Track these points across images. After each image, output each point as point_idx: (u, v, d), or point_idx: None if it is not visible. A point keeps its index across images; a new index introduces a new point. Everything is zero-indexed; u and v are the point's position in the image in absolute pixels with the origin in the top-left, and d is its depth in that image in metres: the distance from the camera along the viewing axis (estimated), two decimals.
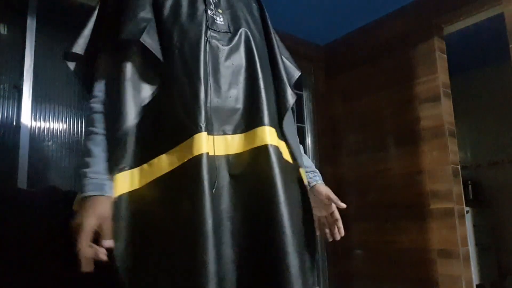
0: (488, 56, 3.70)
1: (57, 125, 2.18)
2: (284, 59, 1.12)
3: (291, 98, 1.04)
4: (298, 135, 1.14)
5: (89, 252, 0.77)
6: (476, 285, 3.04)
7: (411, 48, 2.77)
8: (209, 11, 0.97)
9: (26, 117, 2.07)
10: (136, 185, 0.87)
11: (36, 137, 2.09)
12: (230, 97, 0.93)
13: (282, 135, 1.00)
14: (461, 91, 3.73)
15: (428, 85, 2.65)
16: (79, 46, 0.96)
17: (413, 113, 2.71)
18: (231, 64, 0.95)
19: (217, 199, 0.86)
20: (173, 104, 0.89)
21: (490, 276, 3.55)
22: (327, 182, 1.17)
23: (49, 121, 2.15)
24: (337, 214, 1.10)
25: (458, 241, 2.40)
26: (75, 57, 0.97)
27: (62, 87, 2.22)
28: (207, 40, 0.93)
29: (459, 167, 2.55)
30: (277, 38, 1.12)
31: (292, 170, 0.99)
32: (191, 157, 0.84)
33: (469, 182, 3.82)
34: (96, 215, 0.79)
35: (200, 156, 0.83)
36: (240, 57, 0.97)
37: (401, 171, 2.75)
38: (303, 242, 0.92)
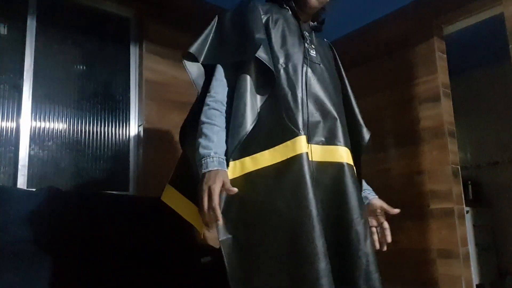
0: (488, 56, 3.69)
1: (57, 125, 2.18)
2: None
3: (366, 135, 1.34)
4: None
5: (219, 210, 0.98)
6: (476, 285, 3.04)
7: (411, 48, 2.77)
8: (305, 45, 1.21)
9: (26, 117, 2.07)
10: (236, 174, 1.07)
11: (36, 137, 2.10)
12: (315, 113, 1.14)
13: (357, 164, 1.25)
14: (461, 91, 3.73)
15: (428, 85, 2.65)
16: (197, 50, 1.16)
17: (413, 113, 2.72)
18: (317, 91, 1.16)
19: None
20: (278, 110, 1.10)
21: (490, 276, 3.54)
22: None
23: (49, 121, 2.15)
24: (386, 224, 1.29)
25: (458, 241, 2.40)
26: (191, 57, 1.17)
27: (62, 87, 2.22)
28: (306, 65, 1.16)
29: (459, 167, 2.55)
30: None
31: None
32: (293, 155, 1.05)
33: (469, 182, 3.81)
34: (221, 181, 1.01)
35: (302, 154, 1.04)
36: (323, 87, 1.18)
37: (401, 171, 2.76)
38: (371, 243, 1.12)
